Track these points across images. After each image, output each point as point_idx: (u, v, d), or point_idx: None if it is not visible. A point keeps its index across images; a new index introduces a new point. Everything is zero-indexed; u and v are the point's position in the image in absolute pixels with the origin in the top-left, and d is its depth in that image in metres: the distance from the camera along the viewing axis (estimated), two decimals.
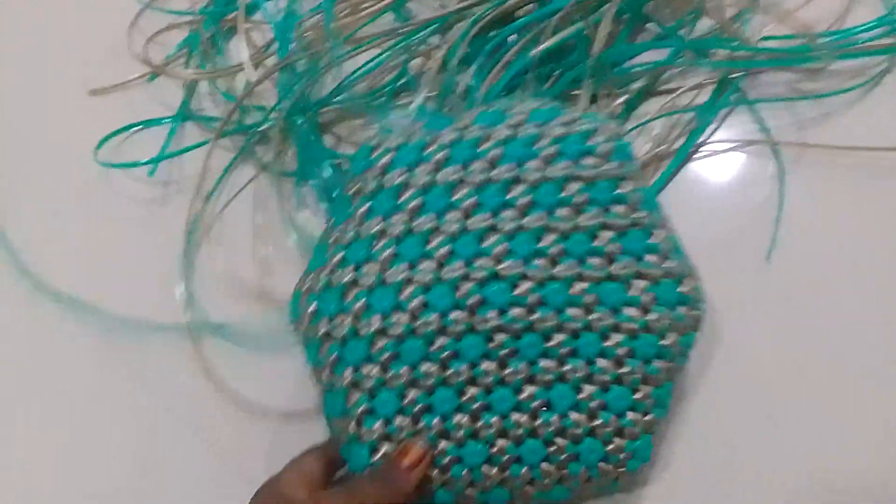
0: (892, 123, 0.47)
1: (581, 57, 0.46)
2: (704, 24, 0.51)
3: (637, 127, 0.49)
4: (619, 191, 0.39)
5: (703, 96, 0.50)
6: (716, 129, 0.49)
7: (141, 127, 0.48)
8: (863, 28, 0.49)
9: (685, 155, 0.48)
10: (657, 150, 0.48)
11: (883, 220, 0.46)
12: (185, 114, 0.48)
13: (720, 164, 0.49)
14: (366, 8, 0.48)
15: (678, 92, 0.49)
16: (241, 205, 0.47)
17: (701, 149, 0.49)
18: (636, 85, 0.49)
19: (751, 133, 0.49)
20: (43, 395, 0.46)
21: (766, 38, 0.50)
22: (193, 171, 0.47)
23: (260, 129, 0.47)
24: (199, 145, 0.48)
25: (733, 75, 0.49)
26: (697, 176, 0.48)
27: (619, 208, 0.39)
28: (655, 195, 0.41)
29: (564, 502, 0.39)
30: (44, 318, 0.46)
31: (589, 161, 0.40)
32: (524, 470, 0.38)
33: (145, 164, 0.47)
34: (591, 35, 0.46)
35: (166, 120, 0.48)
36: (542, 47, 0.45)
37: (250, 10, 0.49)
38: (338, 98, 0.48)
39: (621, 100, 0.48)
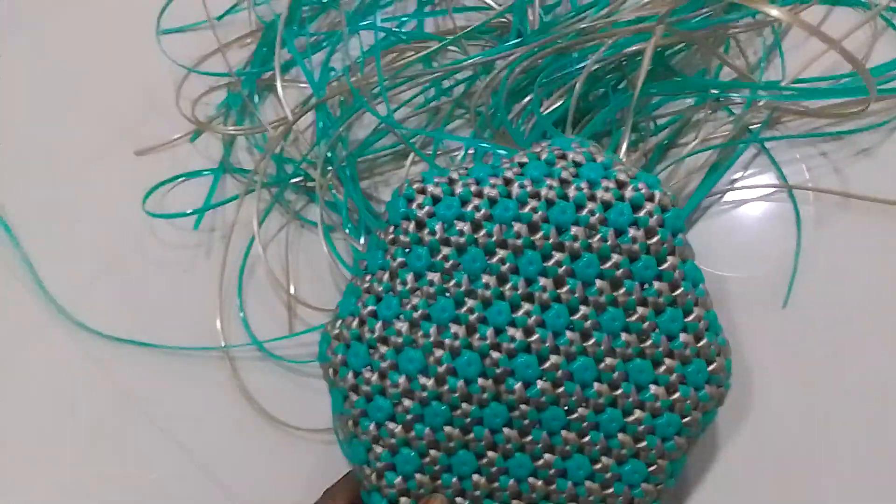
0: None
1: (611, 100, 0.44)
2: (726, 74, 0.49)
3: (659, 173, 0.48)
4: (661, 267, 0.38)
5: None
6: (736, 175, 0.48)
7: (184, 179, 0.51)
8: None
9: (697, 202, 0.47)
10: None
11: None
12: (224, 167, 0.50)
13: (740, 210, 0.47)
14: (398, 61, 0.47)
15: (697, 139, 0.47)
16: (276, 251, 0.49)
17: (722, 195, 0.47)
18: (662, 134, 0.47)
19: (770, 179, 0.47)
20: (87, 426, 0.48)
21: (797, 81, 0.48)
22: (233, 220, 0.50)
23: (292, 180, 0.48)
24: (235, 197, 0.51)
25: (754, 122, 0.47)
26: (718, 222, 0.47)
27: (660, 285, 0.38)
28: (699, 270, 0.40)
29: None
30: (88, 355, 0.49)
31: (635, 233, 0.38)
32: None
33: (191, 214, 0.50)
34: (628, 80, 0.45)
35: (206, 172, 0.51)
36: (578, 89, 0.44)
37: (286, 68, 0.51)
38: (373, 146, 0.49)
39: (648, 148, 0.46)
